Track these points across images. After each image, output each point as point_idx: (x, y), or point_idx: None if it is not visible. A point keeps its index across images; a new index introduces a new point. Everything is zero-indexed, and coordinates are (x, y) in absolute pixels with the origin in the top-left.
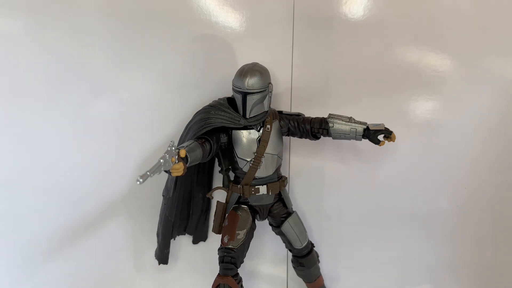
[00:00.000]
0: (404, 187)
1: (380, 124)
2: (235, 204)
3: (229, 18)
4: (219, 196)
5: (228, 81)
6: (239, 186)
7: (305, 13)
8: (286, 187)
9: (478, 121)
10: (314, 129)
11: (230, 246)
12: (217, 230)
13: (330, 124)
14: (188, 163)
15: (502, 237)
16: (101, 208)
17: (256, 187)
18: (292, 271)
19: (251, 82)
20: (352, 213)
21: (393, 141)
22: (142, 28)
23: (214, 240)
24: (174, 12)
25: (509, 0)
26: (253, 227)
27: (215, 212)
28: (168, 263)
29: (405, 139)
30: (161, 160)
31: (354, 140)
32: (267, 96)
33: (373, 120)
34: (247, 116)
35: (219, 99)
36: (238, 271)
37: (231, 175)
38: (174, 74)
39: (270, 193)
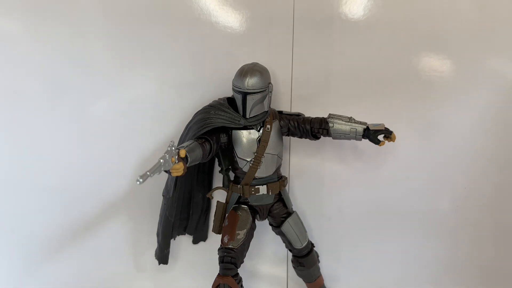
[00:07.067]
0: (404, 187)
1: (380, 124)
2: (235, 204)
3: (229, 18)
4: (219, 196)
5: (228, 81)
6: (239, 186)
7: (305, 13)
8: (286, 187)
9: (478, 121)
10: (314, 129)
11: (230, 246)
12: (217, 230)
13: (330, 124)
14: (188, 163)
15: (502, 237)
16: (101, 208)
17: (256, 187)
18: (292, 271)
19: (251, 82)
20: (352, 213)
21: (393, 141)
22: (142, 28)
23: (214, 240)
24: (174, 12)
25: (509, 0)
26: (253, 227)
27: (215, 212)
28: (168, 263)
29: (405, 139)
30: (161, 160)
31: (354, 140)
32: (267, 96)
33: (373, 120)
34: (247, 116)
35: (219, 99)
36: (238, 271)
37: (231, 175)
38: (174, 74)
39: (270, 193)
